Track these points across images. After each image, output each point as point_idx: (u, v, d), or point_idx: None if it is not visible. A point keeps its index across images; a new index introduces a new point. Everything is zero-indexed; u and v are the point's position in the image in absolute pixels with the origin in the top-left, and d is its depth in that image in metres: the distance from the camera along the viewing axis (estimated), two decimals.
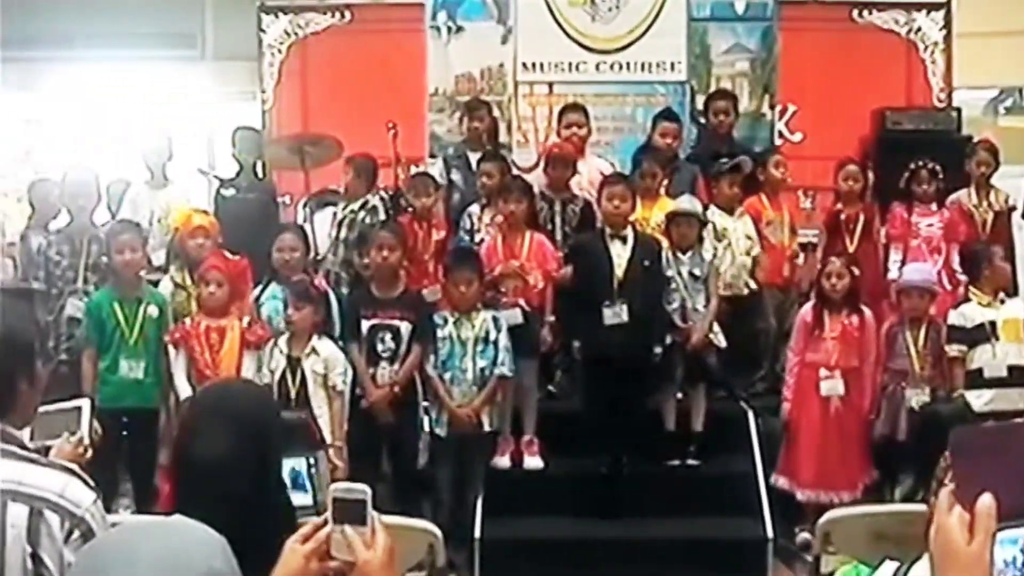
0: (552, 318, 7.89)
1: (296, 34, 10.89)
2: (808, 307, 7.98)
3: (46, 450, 3.63)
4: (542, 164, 8.70)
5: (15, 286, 8.22)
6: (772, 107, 10.52)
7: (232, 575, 2.08)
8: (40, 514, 2.89)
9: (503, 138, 9.96)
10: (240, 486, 2.90)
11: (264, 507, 2.92)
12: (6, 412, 3.02)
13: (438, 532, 5.47)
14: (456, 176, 8.97)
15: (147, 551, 2.01)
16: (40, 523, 2.89)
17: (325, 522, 2.41)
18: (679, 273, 7.86)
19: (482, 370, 7.51)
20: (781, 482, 7.79)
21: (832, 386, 7.72)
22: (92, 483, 3.04)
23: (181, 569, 1.99)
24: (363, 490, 2.42)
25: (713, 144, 9.39)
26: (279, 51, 10.87)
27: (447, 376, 7.51)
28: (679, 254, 7.89)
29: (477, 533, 7.32)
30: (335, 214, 8.66)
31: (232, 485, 2.88)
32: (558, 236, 8.27)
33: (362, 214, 8.54)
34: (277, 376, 7.26)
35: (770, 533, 7.42)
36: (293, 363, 7.27)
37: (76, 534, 2.90)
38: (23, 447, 3.04)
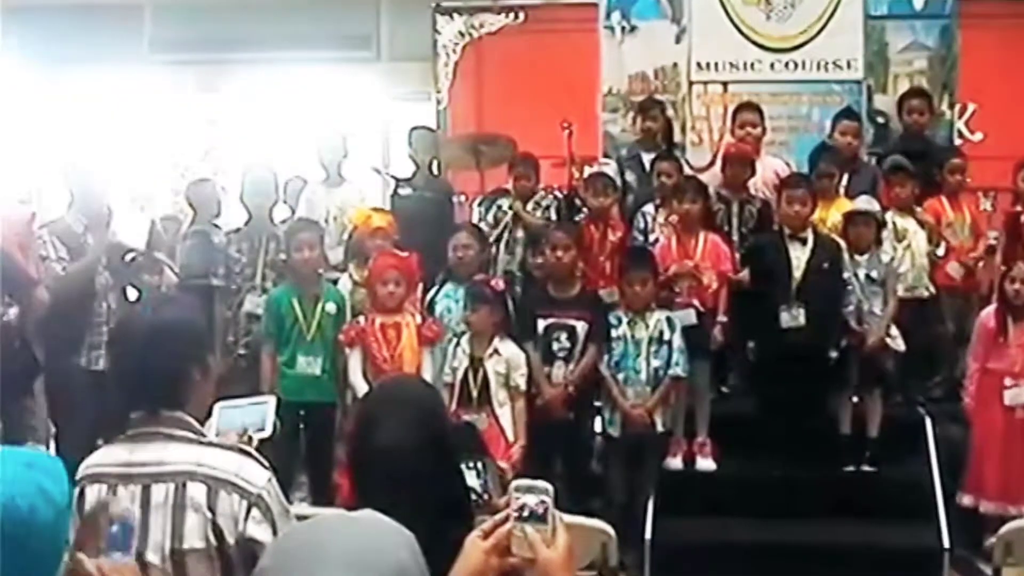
0: (724, 318, 7.81)
1: (470, 35, 10.99)
2: (990, 312, 7.74)
3: None
4: (719, 164, 8.63)
5: (196, 283, 8.40)
6: (952, 106, 10.23)
7: (419, 569, 2.08)
8: (217, 493, 3.05)
9: (677, 138, 9.87)
10: (419, 476, 2.92)
11: (443, 499, 2.93)
12: (182, 402, 3.19)
13: (612, 532, 5.46)
14: (630, 176, 8.95)
15: (337, 545, 2.04)
16: (217, 501, 3.05)
17: (506, 518, 2.40)
18: (855, 275, 7.73)
19: (656, 370, 7.47)
20: (967, 500, 7.57)
21: (1016, 395, 7.48)
22: (265, 463, 3.17)
23: (370, 563, 2.01)
24: (545, 488, 2.41)
25: (908, 143, 9.21)
26: (453, 52, 10.99)
27: (621, 376, 7.49)
28: (855, 256, 7.77)
29: (648, 534, 7.28)
30: (496, 214, 8.69)
31: (411, 475, 2.91)
32: (735, 237, 8.21)
33: (515, 212, 8.57)
34: (459, 375, 7.33)
35: (947, 542, 7.23)
36: (475, 363, 7.33)
37: (255, 511, 3.05)
38: (198, 433, 3.21)
